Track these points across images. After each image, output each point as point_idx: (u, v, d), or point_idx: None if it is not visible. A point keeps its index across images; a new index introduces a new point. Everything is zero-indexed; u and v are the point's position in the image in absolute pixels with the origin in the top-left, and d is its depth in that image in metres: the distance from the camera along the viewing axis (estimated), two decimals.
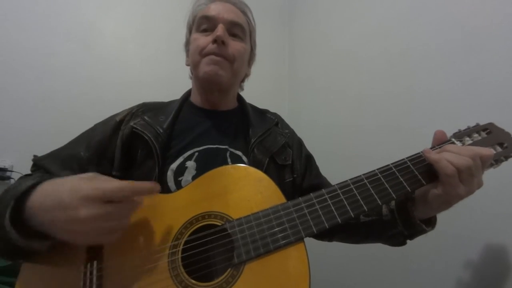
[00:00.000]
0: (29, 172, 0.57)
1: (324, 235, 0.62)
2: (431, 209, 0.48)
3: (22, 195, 0.39)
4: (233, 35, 0.61)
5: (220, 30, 0.57)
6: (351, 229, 0.60)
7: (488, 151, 0.44)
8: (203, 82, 0.62)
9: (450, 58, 0.88)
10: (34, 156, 0.58)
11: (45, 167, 0.55)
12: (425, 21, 0.97)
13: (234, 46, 0.60)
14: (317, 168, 0.70)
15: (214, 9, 0.61)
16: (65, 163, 0.55)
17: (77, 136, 0.61)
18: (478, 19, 0.81)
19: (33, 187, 0.40)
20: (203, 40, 0.60)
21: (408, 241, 0.55)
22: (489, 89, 0.77)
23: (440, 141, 0.50)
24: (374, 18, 1.20)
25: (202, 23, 0.61)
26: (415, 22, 1.01)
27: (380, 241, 0.59)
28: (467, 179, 0.43)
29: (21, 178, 0.51)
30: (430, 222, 0.51)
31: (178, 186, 0.53)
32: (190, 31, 0.66)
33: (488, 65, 0.78)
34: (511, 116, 0.68)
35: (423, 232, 0.51)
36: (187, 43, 0.67)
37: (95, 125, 0.62)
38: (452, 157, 0.43)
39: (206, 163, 0.55)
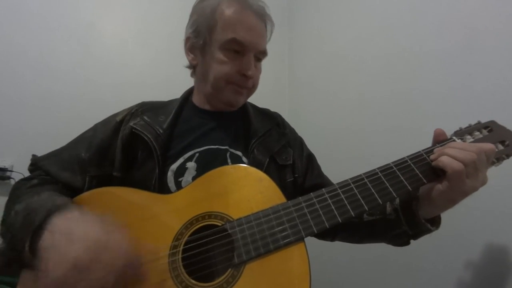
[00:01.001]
0: (27, 172, 0.56)
1: (326, 234, 0.62)
2: (436, 208, 0.48)
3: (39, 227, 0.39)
4: (257, 59, 0.61)
5: (252, 68, 0.57)
6: (354, 228, 0.59)
7: (489, 145, 0.44)
8: (222, 104, 0.63)
9: (450, 58, 0.88)
10: (33, 155, 0.57)
11: (44, 168, 0.54)
12: (426, 22, 0.97)
13: (256, 74, 0.61)
14: (318, 167, 0.70)
15: (248, 31, 0.56)
16: (65, 164, 0.55)
17: (77, 136, 0.60)
18: (478, 19, 0.81)
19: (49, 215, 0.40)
20: (229, 67, 0.57)
21: (411, 241, 0.54)
22: (489, 89, 0.77)
23: (439, 140, 0.50)
24: (374, 19, 1.20)
25: (231, 45, 0.56)
26: (415, 22, 1.01)
27: (383, 241, 0.58)
28: (472, 174, 0.43)
29: (34, 191, 0.48)
30: (435, 222, 0.51)
31: (179, 187, 0.53)
32: (207, 35, 0.58)
33: (488, 65, 0.78)
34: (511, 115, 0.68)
35: (428, 231, 0.50)
36: (199, 46, 0.60)
37: (95, 125, 0.61)
38: (456, 152, 0.43)
39: (207, 163, 0.55)
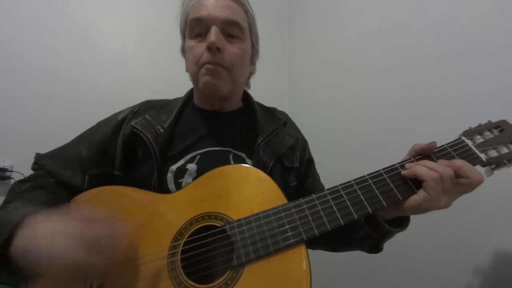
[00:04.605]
0: (30, 171, 0.56)
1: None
2: (402, 212, 0.46)
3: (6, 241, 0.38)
4: (230, 35, 0.56)
5: (213, 35, 0.52)
6: (327, 234, 0.58)
7: (478, 176, 0.42)
8: (204, 93, 0.60)
9: (450, 59, 0.87)
10: (36, 154, 0.57)
11: (45, 167, 0.54)
12: (426, 22, 0.96)
13: (231, 50, 0.55)
14: (314, 174, 0.67)
15: (206, 7, 0.54)
16: (66, 163, 0.54)
17: (80, 134, 0.60)
18: (478, 19, 0.81)
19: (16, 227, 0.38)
20: (197, 48, 0.55)
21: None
22: (490, 90, 0.76)
23: (414, 155, 0.48)
24: (374, 18, 1.20)
25: (194, 27, 0.55)
26: (415, 23, 1.00)
27: (354, 246, 0.56)
28: (450, 189, 0.42)
29: (9, 202, 0.47)
30: (402, 223, 0.49)
31: (179, 188, 0.52)
32: (184, 36, 0.61)
33: (489, 66, 0.77)
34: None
35: (390, 233, 0.49)
36: (183, 50, 0.62)
37: (98, 124, 0.61)
38: (432, 164, 0.43)
39: (208, 166, 0.54)
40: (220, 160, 0.56)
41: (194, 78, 0.58)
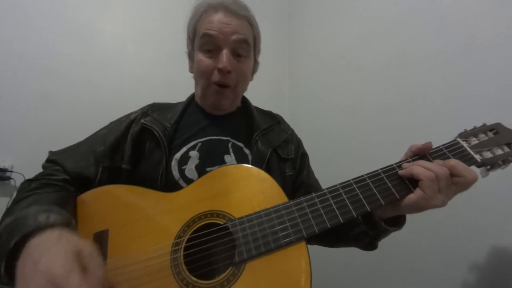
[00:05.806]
0: (30, 171, 0.57)
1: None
2: (399, 211, 0.47)
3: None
4: (238, 55, 0.60)
5: (225, 60, 0.57)
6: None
7: (472, 175, 0.43)
8: (209, 106, 0.66)
9: (450, 60, 0.88)
10: (50, 152, 0.60)
11: (60, 161, 0.56)
12: (426, 23, 0.97)
13: (239, 70, 0.60)
14: (309, 168, 0.71)
15: (218, 27, 0.57)
16: (81, 156, 0.58)
17: (92, 134, 0.64)
18: (478, 19, 0.82)
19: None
20: (208, 64, 0.59)
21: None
22: (490, 91, 0.77)
23: (411, 156, 0.50)
24: (374, 19, 1.21)
25: (205, 43, 0.59)
26: (415, 23, 1.01)
27: (350, 242, 0.58)
28: (445, 188, 0.43)
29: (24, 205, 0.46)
30: (399, 222, 0.50)
31: (182, 174, 0.56)
32: (192, 43, 0.64)
33: (489, 66, 0.78)
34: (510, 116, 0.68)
35: (386, 231, 0.50)
36: (190, 55, 0.66)
37: (110, 124, 0.65)
38: (428, 164, 0.44)
39: (209, 153, 0.59)
40: (220, 147, 0.60)
41: (203, 90, 0.63)
